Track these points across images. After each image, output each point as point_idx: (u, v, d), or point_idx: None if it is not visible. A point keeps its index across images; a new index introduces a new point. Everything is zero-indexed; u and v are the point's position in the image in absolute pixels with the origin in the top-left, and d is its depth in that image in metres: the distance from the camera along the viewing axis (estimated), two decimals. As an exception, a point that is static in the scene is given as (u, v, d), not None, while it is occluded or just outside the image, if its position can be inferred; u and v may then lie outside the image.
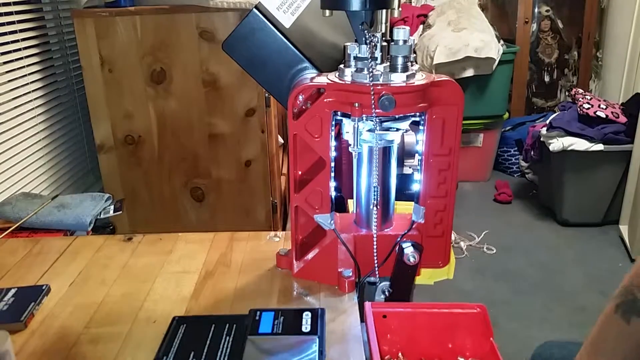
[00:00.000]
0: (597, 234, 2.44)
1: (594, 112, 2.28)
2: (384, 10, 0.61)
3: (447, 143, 0.66)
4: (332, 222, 0.71)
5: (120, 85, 1.59)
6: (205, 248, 0.84)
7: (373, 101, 0.58)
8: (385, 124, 0.65)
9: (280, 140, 1.87)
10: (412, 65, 0.61)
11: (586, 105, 2.31)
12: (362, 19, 0.59)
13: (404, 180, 0.79)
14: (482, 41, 2.53)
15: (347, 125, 0.67)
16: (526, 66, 3.23)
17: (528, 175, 2.91)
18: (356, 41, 0.62)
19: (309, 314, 0.64)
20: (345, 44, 0.63)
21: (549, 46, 3.23)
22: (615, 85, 2.82)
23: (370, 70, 0.59)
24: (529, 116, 3.23)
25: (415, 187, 0.70)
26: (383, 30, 0.62)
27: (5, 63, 1.52)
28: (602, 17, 3.09)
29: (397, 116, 0.66)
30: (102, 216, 1.19)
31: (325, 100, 0.63)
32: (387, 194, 0.72)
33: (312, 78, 0.65)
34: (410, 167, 0.93)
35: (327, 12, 0.61)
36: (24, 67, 1.59)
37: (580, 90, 2.45)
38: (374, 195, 0.69)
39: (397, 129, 0.67)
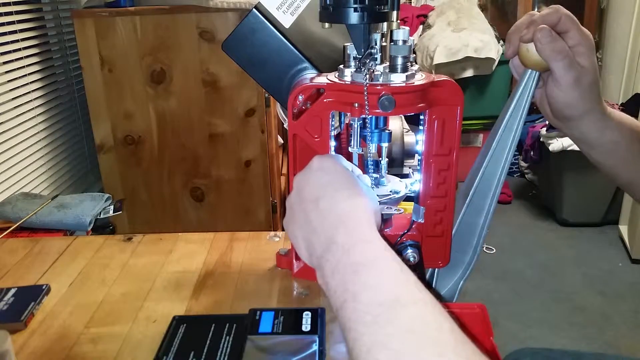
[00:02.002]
0: (596, 234, 2.45)
1: (594, 112, 2.28)
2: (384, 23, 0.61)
3: (447, 143, 0.66)
4: (332, 222, 0.71)
5: (120, 85, 1.60)
6: (205, 248, 0.84)
7: (367, 102, 0.58)
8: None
9: (280, 140, 1.87)
10: (411, 66, 0.61)
11: (586, 106, 2.30)
12: (361, 32, 0.59)
13: (404, 180, 0.79)
14: (482, 41, 2.53)
15: None
16: (526, 66, 3.23)
17: (528, 175, 2.92)
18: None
19: (309, 313, 0.64)
20: (345, 44, 0.63)
21: (548, 46, 3.23)
22: (615, 85, 2.82)
23: (365, 72, 0.59)
24: (529, 116, 3.22)
25: (415, 187, 0.70)
26: (384, 30, 0.62)
27: (5, 63, 1.52)
28: (602, 17, 3.09)
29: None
30: (102, 216, 1.19)
31: (325, 100, 0.63)
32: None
33: (312, 78, 0.65)
34: (410, 167, 0.93)
35: (327, 25, 0.61)
36: (24, 67, 1.59)
37: (580, 91, 2.44)
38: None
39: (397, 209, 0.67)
